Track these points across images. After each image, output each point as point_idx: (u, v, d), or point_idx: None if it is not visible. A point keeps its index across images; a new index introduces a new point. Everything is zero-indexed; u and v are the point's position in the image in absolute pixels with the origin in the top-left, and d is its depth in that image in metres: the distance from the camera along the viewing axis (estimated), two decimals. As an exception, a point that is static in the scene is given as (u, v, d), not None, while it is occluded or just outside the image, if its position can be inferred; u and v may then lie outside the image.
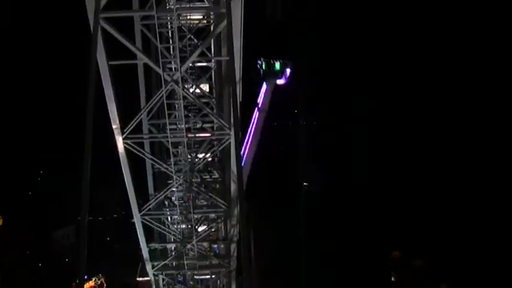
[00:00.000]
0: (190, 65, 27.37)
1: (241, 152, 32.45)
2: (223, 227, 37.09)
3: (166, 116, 24.97)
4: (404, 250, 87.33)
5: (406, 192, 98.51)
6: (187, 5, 26.59)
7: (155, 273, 35.57)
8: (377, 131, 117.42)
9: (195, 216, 31.27)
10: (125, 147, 24.50)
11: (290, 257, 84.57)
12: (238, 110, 21.18)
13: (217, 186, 38.03)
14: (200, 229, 34.10)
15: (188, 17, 30.18)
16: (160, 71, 21.99)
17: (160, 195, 29.16)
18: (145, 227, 31.23)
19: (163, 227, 32.81)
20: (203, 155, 30.89)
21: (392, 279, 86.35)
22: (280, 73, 63.14)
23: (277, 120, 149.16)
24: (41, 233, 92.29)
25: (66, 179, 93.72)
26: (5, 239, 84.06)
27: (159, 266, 34.53)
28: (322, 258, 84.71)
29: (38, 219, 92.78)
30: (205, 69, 35.74)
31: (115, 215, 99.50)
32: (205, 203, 34.80)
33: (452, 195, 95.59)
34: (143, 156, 27.13)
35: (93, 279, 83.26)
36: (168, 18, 25.15)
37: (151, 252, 34.51)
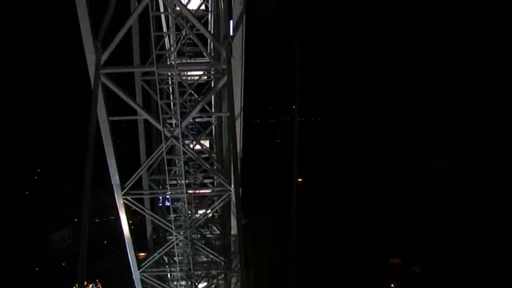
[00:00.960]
0: (191, 120, 27.31)
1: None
2: (224, 283, 36.54)
3: (166, 172, 24.78)
4: (403, 257, 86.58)
5: (405, 199, 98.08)
6: (188, 61, 26.67)
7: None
8: (376, 135, 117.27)
9: (196, 272, 30.83)
10: (124, 203, 24.21)
11: (288, 265, 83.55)
12: (239, 167, 21.03)
13: (217, 242, 37.64)
14: (200, 286, 33.59)
15: (189, 73, 30.28)
16: (160, 127, 21.87)
17: (161, 253, 28.77)
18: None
19: (163, 284, 32.29)
20: (203, 211, 30.58)
21: (392, 285, 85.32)
22: None
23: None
24: (38, 235, 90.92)
25: (62, 180, 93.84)
26: (2, 244, 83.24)
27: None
28: (321, 264, 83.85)
29: (34, 221, 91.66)
30: (206, 125, 35.77)
31: (112, 217, 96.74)
32: (205, 259, 34.37)
33: (452, 202, 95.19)
34: (143, 213, 26.84)
35: (91, 286, 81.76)
36: (169, 74, 25.18)
37: None
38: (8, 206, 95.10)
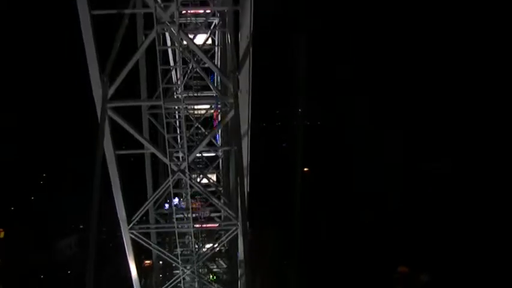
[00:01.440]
0: (198, 154, 27.19)
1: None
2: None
3: (173, 207, 24.62)
4: (410, 265, 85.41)
5: (412, 206, 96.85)
6: (195, 94, 26.65)
7: None
8: (383, 141, 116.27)
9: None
10: (131, 237, 23.92)
11: (293, 275, 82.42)
12: (246, 201, 20.79)
13: (225, 276, 37.34)
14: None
15: (195, 106, 30.29)
16: (167, 161, 21.64)
17: None
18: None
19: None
20: (210, 245, 30.32)
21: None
22: None
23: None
24: (43, 243, 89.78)
25: (67, 187, 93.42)
26: (7, 252, 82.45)
27: None
28: (328, 273, 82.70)
29: (39, 229, 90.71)
30: (213, 158, 35.72)
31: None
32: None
33: (459, 210, 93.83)
34: (150, 247, 26.58)
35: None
36: (176, 107, 25.14)
37: None
38: (13, 212, 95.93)
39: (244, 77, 19.70)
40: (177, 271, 29.14)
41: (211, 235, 32.97)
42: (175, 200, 31.04)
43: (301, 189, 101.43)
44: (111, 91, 18.80)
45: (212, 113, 33.26)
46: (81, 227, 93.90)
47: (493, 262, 78.10)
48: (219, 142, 36.67)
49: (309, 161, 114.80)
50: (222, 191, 34.22)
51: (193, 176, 25.42)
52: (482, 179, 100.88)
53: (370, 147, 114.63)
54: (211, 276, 37.82)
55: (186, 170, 21.94)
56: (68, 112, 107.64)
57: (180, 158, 25.03)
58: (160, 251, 27.41)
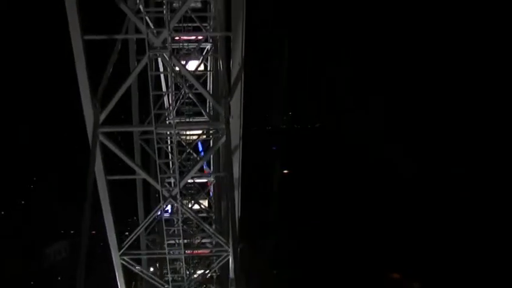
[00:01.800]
0: (190, 180, 27.09)
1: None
2: None
3: (164, 232, 24.46)
4: (402, 272, 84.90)
5: (405, 214, 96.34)
6: (187, 120, 26.62)
7: None
8: (375, 151, 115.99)
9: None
10: (121, 263, 23.61)
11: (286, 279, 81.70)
12: (237, 227, 20.69)
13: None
14: None
15: (187, 132, 30.25)
16: (159, 187, 21.45)
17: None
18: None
19: None
20: (202, 271, 30.11)
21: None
22: None
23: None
24: (32, 249, 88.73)
25: (56, 192, 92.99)
26: None
27: None
28: (321, 280, 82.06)
29: (28, 234, 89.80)
30: (205, 184, 35.63)
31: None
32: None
33: (452, 218, 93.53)
34: (141, 274, 26.34)
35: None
36: (168, 133, 25.09)
37: None
38: (3, 217, 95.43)
39: (236, 103, 19.72)
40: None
41: (202, 261, 32.74)
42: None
43: (286, 193, 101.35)
44: (102, 116, 18.73)
45: (204, 138, 33.27)
46: (71, 232, 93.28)
47: (486, 274, 77.99)
48: (211, 168, 36.59)
49: (301, 163, 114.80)
50: (213, 217, 34.08)
51: (184, 201, 25.31)
52: (479, 181, 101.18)
53: (366, 148, 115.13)
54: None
55: (178, 196, 21.79)
56: (61, 117, 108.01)
57: (172, 183, 24.87)
58: (151, 277, 27.19)
